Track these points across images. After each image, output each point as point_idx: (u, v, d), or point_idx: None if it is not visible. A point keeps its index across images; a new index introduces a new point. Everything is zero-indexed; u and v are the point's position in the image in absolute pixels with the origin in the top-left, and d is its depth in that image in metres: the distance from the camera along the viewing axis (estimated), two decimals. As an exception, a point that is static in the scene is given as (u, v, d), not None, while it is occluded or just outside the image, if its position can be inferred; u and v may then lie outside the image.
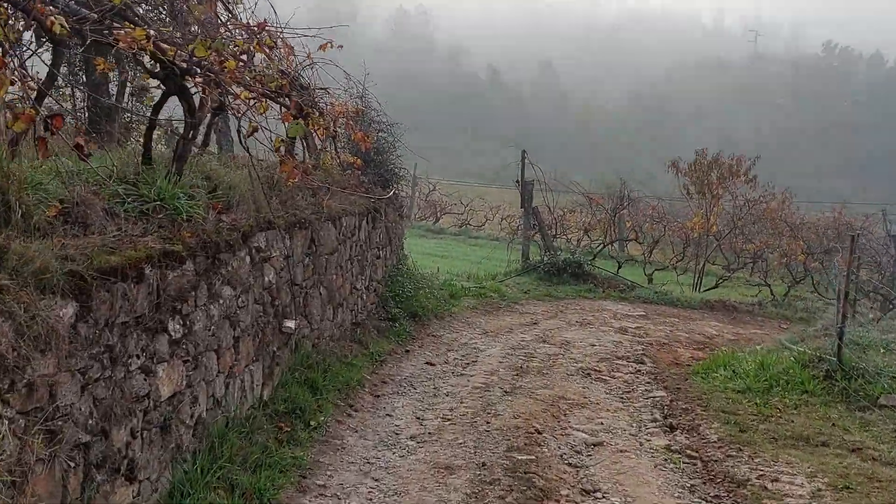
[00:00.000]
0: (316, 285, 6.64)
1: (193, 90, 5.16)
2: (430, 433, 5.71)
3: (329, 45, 7.17)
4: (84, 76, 8.44)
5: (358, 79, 12.91)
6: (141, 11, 4.67)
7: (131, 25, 4.26)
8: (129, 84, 8.43)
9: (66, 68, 8.17)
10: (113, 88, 8.31)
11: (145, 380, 3.70)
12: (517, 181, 15.04)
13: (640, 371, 8.56)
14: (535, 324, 11.24)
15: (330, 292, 7.06)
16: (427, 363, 7.73)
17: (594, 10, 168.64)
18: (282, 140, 4.99)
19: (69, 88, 8.50)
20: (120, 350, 3.45)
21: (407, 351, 8.10)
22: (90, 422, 3.24)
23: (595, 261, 15.36)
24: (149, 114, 7.94)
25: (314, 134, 9.62)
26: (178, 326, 4.01)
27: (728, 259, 19.46)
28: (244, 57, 5.69)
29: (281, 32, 6.65)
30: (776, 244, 15.93)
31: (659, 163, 19.25)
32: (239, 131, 5.60)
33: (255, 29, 5.22)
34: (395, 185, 13.53)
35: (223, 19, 6.98)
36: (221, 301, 4.58)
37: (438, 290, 11.85)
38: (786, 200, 16.51)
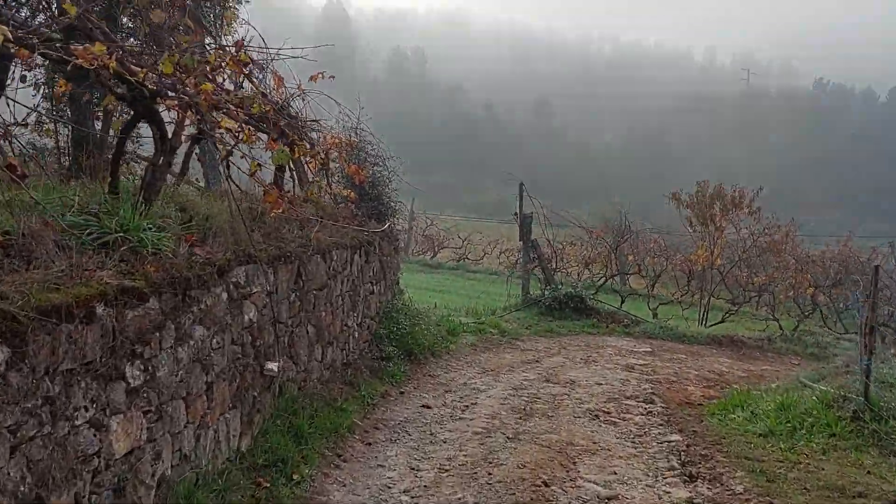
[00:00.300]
0: (303, 323, 6.16)
1: (167, 114, 4.77)
2: (425, 486, 5.17)
3: (321, 75, 6.83)
4: (69, 110, 8.09)
5: (352, 111, 12.60)
6: (106, 29, 4.27)
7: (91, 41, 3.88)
8: (114, 113, 8.07)
9: (46, 103, 7.83)
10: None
11: (95, 435, 3.21)
12: (515, 214, 14.66)
13: (651, 412, 8.03)
14: (537, 361, 10.73)
15: (318, 330, 6.58)
16: (423, 406, 7.20)
17: (588, 48, 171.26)
18: (259, 165, 4.55)
19: (52, 123, 8.13)
20: (63, 402, 2.97)
21: (402, 392, 7.57)
22: (22, 489, 2.74)
23: (597, 295, 14.90)
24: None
25: (305, 165, 9.27)
26: (137, 372, 3.53)
27: (733, 293, 19.03)
28: (225, 81, 5.31)
29: (272, 59, 6.31)
30: (782, 277, 15.49)
31: (656, 197, 18.97)
32: (227, 164, 5.19)
33: (233, 49, 4.84)
34: (390, 219, 13.13)
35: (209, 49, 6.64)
36: (192, 342, 4.10)
37: (435, 326, 11.35)
38: (789, 233, 16.12)
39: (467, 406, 7.42)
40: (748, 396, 8.13)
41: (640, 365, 11.18)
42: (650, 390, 9.56)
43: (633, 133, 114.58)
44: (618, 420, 7.41)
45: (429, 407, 7.16)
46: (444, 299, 17.95)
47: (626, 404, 8.34)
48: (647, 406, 8.49)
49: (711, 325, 15.22)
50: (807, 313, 15.26)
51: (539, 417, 7.19)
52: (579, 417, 7.35)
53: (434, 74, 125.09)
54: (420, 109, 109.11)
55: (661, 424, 7.28)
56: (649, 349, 12.66)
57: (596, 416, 7.53)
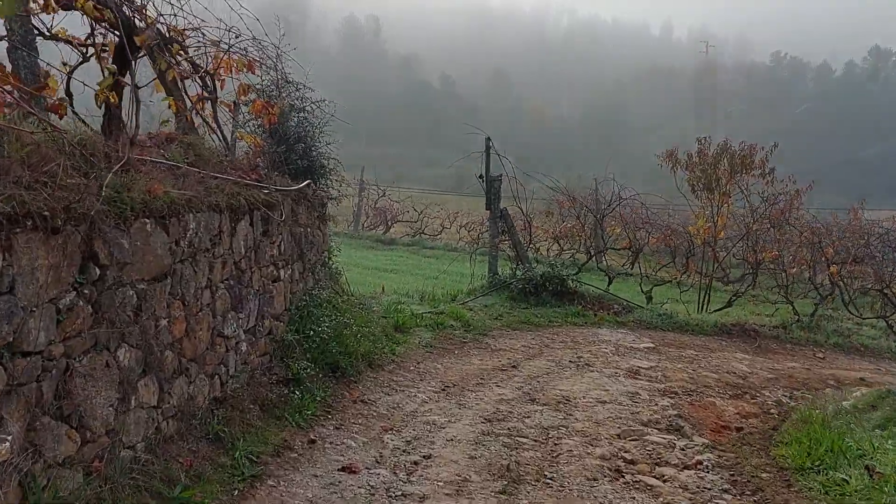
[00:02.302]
0: (104, 346, 3.26)
1: None
2: None
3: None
4: None
5: (273, 42, 9.63)
6: None
7: None
8: None
9: None
10: None
11: None
12: (480, 176, 11.84)
13: (695, 458, 5.37)
14: (514, 367, 8.00)
15: (151, 355, 3.67)
16: (344, 468, 4.36)
17: (545, 21, 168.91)
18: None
19: None
20: None
21: (312, 442, 4.70)
22: None
23: (579, 275, 12.23)
24: None
25: (184, 93, 6.31)
26: None
27: (725, 270, 16.64)
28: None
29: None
30: (797, 253, 13.06)
31: (618, 170, 16.32)
32: None
33: None
34: (320, 181, 10.21)
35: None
36: None
37: (378, 320, 8.52)
38: (794, 201, 13.57)
39: (416, 463, 4.60)
40: (829, 429, 5.53)
41: (647, 368, 8.58)
42: (671, 409, 6.96)
43: (591, 106, 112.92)
44: (655, 481, 4.70)
45: (352, 471, 4.32)
46: (395, 281, 15.11)
47: (651, 442, 5.66)
48: (678, 440, 5.85)
49: (715, 311, 12.73)
50: (825, 294, 12.87)
51: (532, 483, 4.43)
52: (595, 481, 4.61)
53: (389, 45, 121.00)
54: (374, 79, 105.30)
55: (726, 489, 4.60)
56: (651, 344, 10.07)
57: (619, 472, 4.82)
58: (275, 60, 9.80)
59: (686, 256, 13.37)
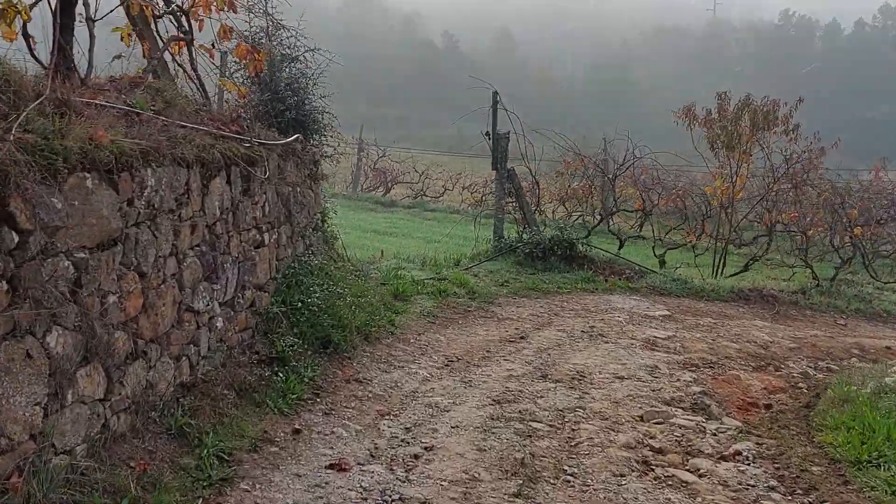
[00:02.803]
0: (27, 332, 2.63)
1: None
2: None
3: None
4: None
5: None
6: None
7: None
8: None
9: None
10: None
11: None
12: (487, 133, 11.09)
13: (722, 435, 4.80)
14: (523, 338, 7.40)
15: (94, 339, 3.04)
16: (332, 465, 3.76)
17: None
18: None
19: None
20: None
21: (296, 432, 4.09)
22: None
23: (589, 238, 11.56)
24: None
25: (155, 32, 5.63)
26: None
27: (738, 233, 15.96)
28: None
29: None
30: (815, 215, 12.34)
31: (624, 130, 15.43)
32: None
33: None
34: (312, 136, 9.51)
35: None
36: None
37: (376, 288, 7.90)
38: (816, 159, 12.77)
39: (416, 457, 4.00)
40: (878, 412, 4.93)
41: (663, 339, 7.98)
42: (694, 386, 6.38)
43: (597, 65, 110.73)
44: (690, 476, 4.10)
45: (342, 468, 3.72)
46: (395, 245, 14.46)
47: (679, 426, 5.07)
48: (708, 423, 5.27)
49: (731, 276, 12.10)
50: (846, 258, 12.22)
51: (552, 483, 3.83)
52: (622, 476, 4.01)
53: (390, 2, 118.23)
54: (374, 38, 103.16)
55: (772, 486, 4.01)
56: (666, 311, 9.47)
57: (647, 465, 4.23)
58: (264, 3, 9.03)
59: (702, 218, 12.70)
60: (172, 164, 3.76)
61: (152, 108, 4.27)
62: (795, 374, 7.38)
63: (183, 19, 5.75)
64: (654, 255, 12.26)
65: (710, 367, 7.26)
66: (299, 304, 5.39)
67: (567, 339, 7.54)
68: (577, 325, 8.15)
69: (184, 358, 3.97)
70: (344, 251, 9.55)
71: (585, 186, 16.18)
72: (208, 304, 4.30)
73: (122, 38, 4.21)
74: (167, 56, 5.90)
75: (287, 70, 9.42)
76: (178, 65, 5.88)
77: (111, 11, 4.27)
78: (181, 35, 5.60)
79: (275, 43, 9.41)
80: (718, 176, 12.27)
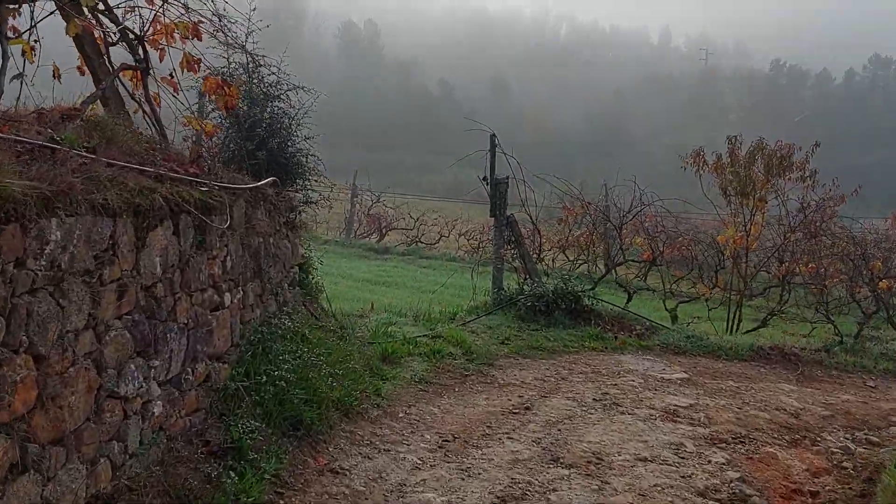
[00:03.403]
0: None
1: None
2: None
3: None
4: None
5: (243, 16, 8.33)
6: None
7: None
8: None
9: None
10: None
11: None
12: (484, 178, 10.36)
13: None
14: (528, 408, 6.50)
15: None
16: None
17: (545, 28, 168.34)
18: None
19: None
20: None
21: (247, 557, 3.20)
22: None
23: (595, 290, 10.73)
24: None
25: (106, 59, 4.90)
26: None
27: (749, 284, 15.15)
28: None
29: None
30: (831, 266, 11.56)
31: (620, 177, 14.75)
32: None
33: None
34: (296, 180, 8.80)
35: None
36: None
37: (362, 349, 7.02)
38: (829, 207, 12.02)
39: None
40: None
41: (685, 408, 7.09)
42: (729, 470, 5.50)
43: (591, 114, 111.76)
44: None
45: None
46: (388, 296, 13.62)
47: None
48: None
49: (747, 332, 11.25)
50: (870, 313, 11.39)
51: None
52: None
53: (388, 50, 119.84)
54: (372, 85, 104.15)
55: None
56: (683, 373, 8.58)
57: None
58: (244, 38, 8.36)
59: (715, 270, 11.93)
60: (91, 213, 2.94)
61: (85, 144, 3.49)
62: (835, 450, 6.51)
63: (141, 48, 5.03)
64: (665, 309, 11.42)
65: (741, 442, 6.38)
66: (263, 379, 4.51)
67: (578, 409, 6.64)
68: (587, 391, 7.25)
69: (102, 460, 3.09)
70: (329, 305, 8.71)
71: (587, 234, 15.43)
72: (141, 387, 3.43)
73: (23, 54, 3.43)
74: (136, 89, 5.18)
75: (269, 109, 8.74)
76: (133, 98, 5.14)
77: (33, 26, 3.51)
78: (135, 64, 4.86)
79: (255, 80, 8.75)
80: (731, 224, 11.53)
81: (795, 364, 9.96)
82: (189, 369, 3.99)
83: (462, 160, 11.76)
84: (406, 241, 22.82)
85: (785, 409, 7.61)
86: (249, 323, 5.03)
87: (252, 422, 4.15)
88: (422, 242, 22.88)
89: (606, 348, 9.24)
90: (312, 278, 9.04)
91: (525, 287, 10.51)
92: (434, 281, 16.14)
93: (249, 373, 4.63)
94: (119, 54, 5.05)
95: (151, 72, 5.36)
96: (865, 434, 7.18)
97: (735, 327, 11.38)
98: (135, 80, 5.25)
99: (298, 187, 9.19)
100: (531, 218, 10.95)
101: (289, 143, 8.89)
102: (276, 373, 4.64)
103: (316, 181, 9.33)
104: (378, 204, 23.59)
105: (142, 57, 4.84)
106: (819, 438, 6.81)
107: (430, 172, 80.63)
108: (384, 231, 23.39)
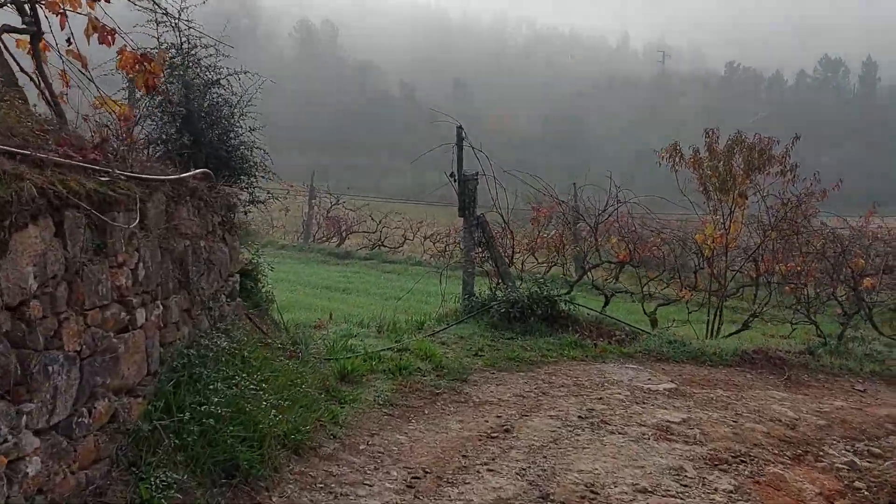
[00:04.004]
0: None
1: None
2: None
3: None
4: None
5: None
6: None
7: None
8: None
9: None
10: None
11: None
12: (452, 174, 9.57)
13: None
14: (508, 431, 5.71)
15: None
16: None
17: (504, 31, 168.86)
18: None
19: None
20: None
21: None
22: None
23: (572, 294, 10.00)
24: None
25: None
26: None
27: (723, 284, 14.67)
28: None
29: None
30: (808, 264, 11.04)
31: (587, 179, 14.11)
32: None
33: None
34: (240, 177, 7.90)
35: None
36: None
37: (316, 368, 6.15)
38: (803, 203, 11.43)
39: None
40: None
41: (678, 423, 6.40)
42: (736, 497, 4.81)
43: (552, 116, 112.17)
44: None
45: None
46: (348, 304, 12.73)
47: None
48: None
49: (729, 335, 10.66)
50: (850, 312, 10.91)
51: None
52: None
53: (346, 52, 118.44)
54: (331, 87, 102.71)
55: None
56: (670, 383, 7.91)
57: None
58: (178, 15, 7.45)
59: (694, 270, 11.33)
60: None
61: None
62: (841, 465, 5.94)
63: (30, 8, 4.09)
64: (644, 312, 10.77)
65: (743, 461, 5.72)
66: (189, 414, 3.61)
67: (564, 429, 5.87)
68: (572, 408, 6.48)
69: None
70: (280, 317, 7.81)
71: (557, 235, 14.76)
72: (5, 440, 2.53)
73: None
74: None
75: (208, 97, 7.81)
76: (28, 75, 4.21)
77: None
78: (23, 27, 3.93)
79: (190, 63, 7.81)
80: (709, 222, 10.93)
81: (781, 368, 9.42)
82: (84, 409, 3.09)
83: (426, 155, 10.97)
84: (368, 245, 21.89)
85: (780, 420, 7.00)
86: (172, 345, 4.13)
87: (170, 473, 3.26)
88: (385, 246, 21.96)
89: (587, 357, 8.50)
90: (262, 287, 8.14)
91: (498, 292, 9.73)
92: (399, 287, 15.29)
93: (171, 408, 3.73)
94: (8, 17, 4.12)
95: (56, 45, 4.45)
96: (866, 445, 6.65)
97: (716, 330, 10.79)
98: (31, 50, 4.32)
99: (243, 184, 8.29)
100: (503, 217, 10.18)
101: (230, 135, 7.98)
102: (205, 407, 3.74)
103: (264, 177, 8.43)
104: (338, 206, 22.59)
105: (31, 19, 3.91)
106: (821, 453, 6.23)
107: (393, 176, 79.62)
108: (344, 235, 22.41)
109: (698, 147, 10.84)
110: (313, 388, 5.35)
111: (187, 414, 3.61)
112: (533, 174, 10.71)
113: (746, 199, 10.35)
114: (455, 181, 9.44)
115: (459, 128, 9.52)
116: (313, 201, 22.38)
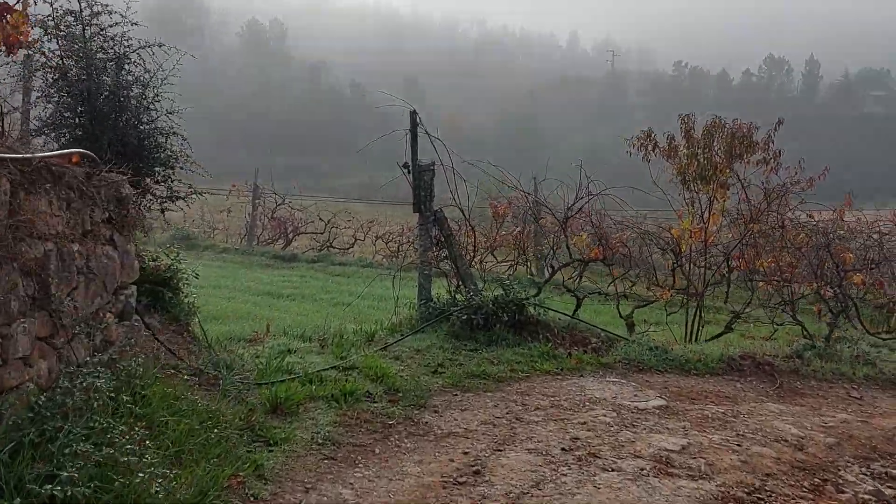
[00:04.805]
0: None
1: None
2: None
3: None
4: None
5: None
6: None
7: None
8: None
9: None
10: None
11: None
12: (405, 165, 8.44)
13: None
14: (478, 473, 4.63)
15: None
16: None
17: (455, 30, 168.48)
18: None
19: None
20: None
21: None
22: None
23: (540, 297, 8.98)
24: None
25: None
26: None
27: (692, 282, 13.92)
28: None
29: None
30: (782, 259, 10.28)
31: (546, 174, 13.28)
32: None
33: None
34: (155, 168, 6.68)
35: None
36: None
37: (241, 395, 4.97)
38: (781, 195, 10.70)
39: None
40: None
41: (678, 452, 5.43)
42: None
43: (504, 115, 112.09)
44: None
45: None
46: (292, 312, 11.49)
47: None
48: None
49: (711, 339, 9.81)
50: (837, 311, 10.19)
51: None
52: None
53: (296, 51, 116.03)
54: (281, 86, 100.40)
55: None
56: (659, 399, 6.95)
57: None
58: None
59: (672, 268, 10.47)
60: None
61: None
62: (865, 496, 5.10)
63: None
64: (620, 315, 9.85)
65: (760, 497, 4.83)
66: (18, 502, 2.41)
67: (546, 468, 4.81)
68: (552, 437, 5.43)
69: None
70: (203, 335, 6.58)
71: (518, 233, 13.78)
72: None
73: None
74: None
75: (112, 73, 6.55)
76: None
77: None
78: None
79: (92, 34, 6.55)
80: (686, 215, 10.08)
81: (771, 375, 8.61)
82: None
83: (379, 155, 9.87)
84: (316, 247, 20.56)
85: (786, 440, 6.11)
86: (19, 390, 2.92)
87: None
88: (334, 247, 20.67)
89: (562, 370, 7.47)
90: (185, 298, 6.90)
91: (458, 296, 8.66)
92: (348, 291, 14.08)
93: (7, 486, 2.53)
94: None
95: None
96: (883, 466, 5.84)
97: (696, 333, 9.93)
98: None
99: (159, 177, 7.04)
100: (463, 213, 9.10)
101: (143, 118, 6.73)
102: (56, 486, 2.55)
103: (186, 169, 7.21)
104: (283, 206, 21.18)
105: None
106: (840, 480, 5.38)
107: (343, 176, 77.96)
108: (291, 236, 21.03)
109: (673, 134, 9.98)
110: (232, 429, 4.17)
111: (18, 500, 2.41)
112: (495, 164, 9.65)
113: (728, 189, 9.51)
114: (409, 172, 8.32)
115: (413, 112, 8.41)
116: (257, 201, 20.93)
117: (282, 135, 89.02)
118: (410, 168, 8.25)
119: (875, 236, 9.73)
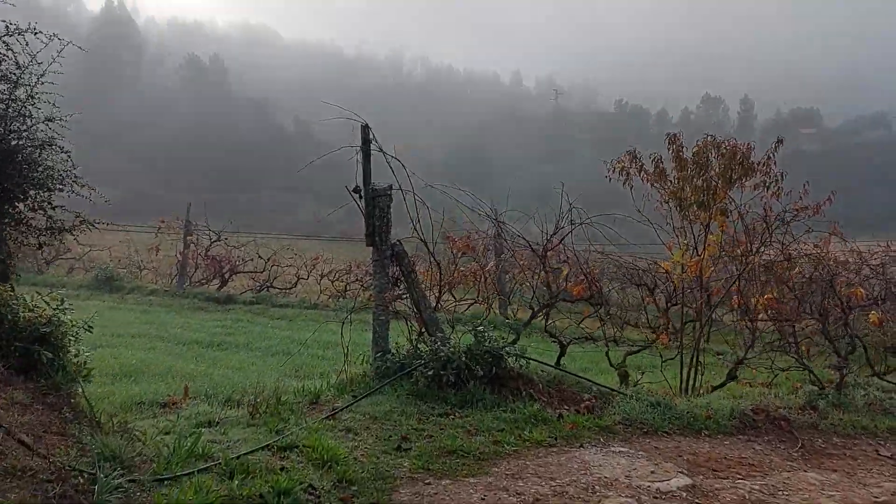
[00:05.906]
0: None
1: None
2: None
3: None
4: None
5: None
6: None
7: None
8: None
9: None
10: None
11: None
12: (356, 189, 6.94)
13: None
14: None
15: None
16: None
17: (400, 69, 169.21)
18: None
19: None
20: None
21: None
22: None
23: (521, 346, 7.50)
24: None
25: None
26: None
27: (671, 320, 12.71)
28: None
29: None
30: (789, 295, 9.16)
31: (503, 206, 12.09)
32: None
33: None
34: (28, 190, 4.98)
35: None
36: None
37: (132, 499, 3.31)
38: (768, 227, 9.65)
39: None
40: None
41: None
42: None
43: (453, 152, 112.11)
44: None
45: None
46: (220, 366, 9.70)
47: None
48: None
49: (714, 389, 8.51)
50: (845, 352, 9.05)
51: None
52: None
53: (238, 87, 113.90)
54: (221, 123, 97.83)
55: None
56: (681, 475, 5.54)
57: None
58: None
59: (665, 307, 9.17)
60: None
61: None
62: None
63: None
64: (610, 364, 8.46)
65: None
66: None
67: None
68: (567, 549, 3.94)
69: None
70: (90, 412, 4.89)
71: (485, 269, 12.43)
72: None
73: None
74: None
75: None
76: None
77: None
78: None
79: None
80: (676, 246, 8.85)
81: (790, 433, 7.35)
82: None
83: (325, 192, 8.36)
84: (255, 287, 18.71)
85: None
86: None
87: None
88: (275, 287, 18.85)
89: (556, 439, 5.98)
90: (73, 358, 5.23)
91: (422, 346, 7.13)
92: (289, 338, 12.35)
93: None
94: None
95: None
96: None
97: (693, 382, 8.62)
98: None
99: (34, 202, 5.38)
100: (427, 246, 7.61)
101: (11, 126, 5.11)
102: None
103: (70, 194, 5.59)
104: (219, 243, 19.31)
105: None
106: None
107: (288, 212, 75.65)
108: (227, 276, 19.12)
109: (660, 155, 8.79)
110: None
111: None
112: (459, 187, 8.26)
113: (726, 216, 8.33)
114: (360, 197, 6.82)
115: (365, 126, 6.96)
116: (189, 238, 19.01)
117: (223, 170, 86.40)
118: (362, 192, 6.74)
119: (866, 270, 8.69)
